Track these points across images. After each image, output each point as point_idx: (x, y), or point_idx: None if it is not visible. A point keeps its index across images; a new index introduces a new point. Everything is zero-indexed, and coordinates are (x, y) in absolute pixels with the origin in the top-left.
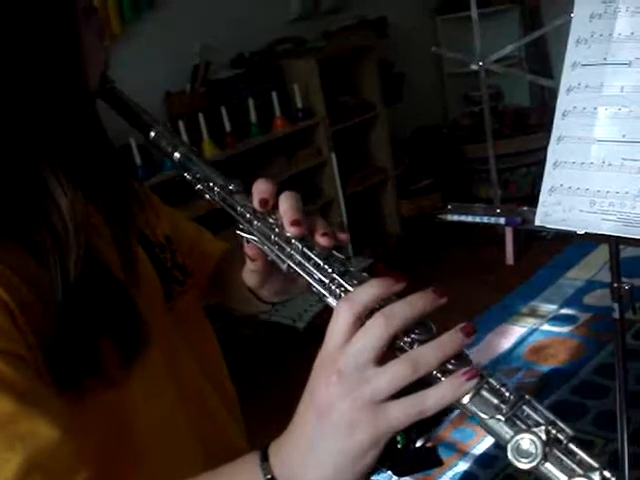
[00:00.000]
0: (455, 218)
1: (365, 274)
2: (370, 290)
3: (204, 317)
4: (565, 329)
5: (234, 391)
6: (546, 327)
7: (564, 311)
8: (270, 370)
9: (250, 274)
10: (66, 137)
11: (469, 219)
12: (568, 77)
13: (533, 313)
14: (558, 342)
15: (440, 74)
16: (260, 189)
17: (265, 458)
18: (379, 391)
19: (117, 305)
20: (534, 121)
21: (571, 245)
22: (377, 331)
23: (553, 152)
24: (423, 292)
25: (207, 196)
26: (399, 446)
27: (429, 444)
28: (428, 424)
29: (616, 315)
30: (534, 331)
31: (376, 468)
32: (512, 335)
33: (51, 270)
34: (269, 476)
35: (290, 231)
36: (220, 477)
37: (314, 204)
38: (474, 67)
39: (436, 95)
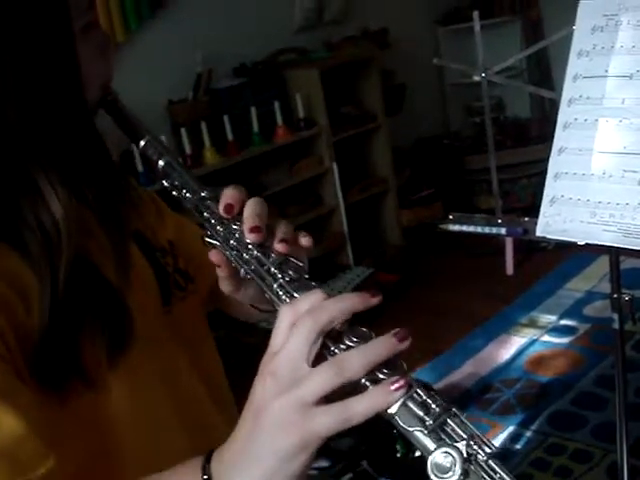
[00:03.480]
0: (457, 228)
1: (314, 283)
2: (312, 297)
3: (205, 323)
4: (565, 340)
5: (232, 398)
6: (546, 338)
7: (564, 322)
8: None
9: (221, 281)
10: (61, 144)
11: (471, 229)
12: (569, 89)
13: (533, 324)
14: (558, 353)
15: (441, 85)
16: (227, 195)
17: (208, 460)
18: (307, 393)
19: (106, 306)
20: (535, 132)
21: (571, 256)
22: (305, 329)
23: (554, 163)
24: (357, 292)
25: (182, 203)
26: (399, 455)
27: None
28: None
29: (616, 326)
30: (534, 342)
31: (375, 478)
32: (512, 345)
33: (41, 272)
34: (205, 477)
35: (249, 238)
36: (163, 476)
37: (315, 213)
38: (476, 78)
39: (437, 106)
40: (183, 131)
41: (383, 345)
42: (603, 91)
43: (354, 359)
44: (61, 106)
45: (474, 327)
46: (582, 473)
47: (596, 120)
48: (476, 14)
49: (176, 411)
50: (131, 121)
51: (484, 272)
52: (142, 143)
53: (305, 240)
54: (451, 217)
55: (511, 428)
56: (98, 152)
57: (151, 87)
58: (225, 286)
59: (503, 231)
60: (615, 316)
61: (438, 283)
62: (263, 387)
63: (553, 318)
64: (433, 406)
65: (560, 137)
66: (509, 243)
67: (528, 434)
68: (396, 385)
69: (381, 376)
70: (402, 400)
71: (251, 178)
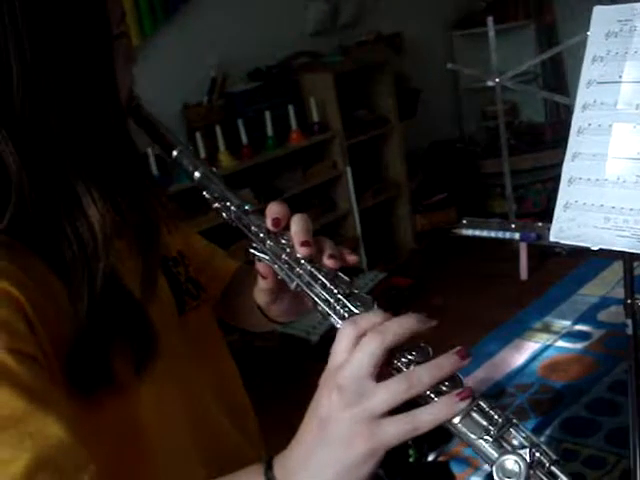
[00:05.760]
0: (470, 233)
1: (368, 296)
2: (374, 316)
3: (217, 331)
4: (579, 345)
5: (249, 404)
6: (560, 343)
7: (578, 327)
8: (283, 381)
9: (260, 292)
10: (99, 152)
11: (484, 234)
12: (583, 94)
13: (547, 329)
14: (572, 358)
15: (455, 89)
16: (273, 210)
17: (269, 467)
18: (376, 406)
19: (131, 319)
20: (549, 137)
21: (585, 261)
22: (372, 346)
23: (568, 168)
24: (415, 314)
25: (223, 214)
26: (411, 460)
27: (441, 459)
28: (440, 439)
29: (630, 331)
30: (548, 347)
31: None
32: (525, 350)
33: (77, 281)
34: None
35: (300, 251)
36: None
37: (329, 217)
38: (490, 83)
39: (451, 110)
40: (198, 135)
41: (448, 362)
42: (617, 96)
43: (422, 375)
44: (100, 113)
45: (488, 332)
46: (596, 479)
47: (610, 125)
48: (490, 20)
49: (191, 419)
50: (159, 129)
51: (498, 277)
52: (175, 153)
53: (351, 258)
54: (465, 222)
55: None
56: (133, 160)
57: (166, 91)
58: (262, 297)
59: (517, 236)
60: (629, 322)
61: (451, 288)
62: (330, 400)
63: (567, 323)
64: (495, 416)
65: (574, 142)
66: (523, 248)
67: (541, 439)
68: (462, 395)
69: (444, 389)
70: (466, 410)
71: (265, 182)
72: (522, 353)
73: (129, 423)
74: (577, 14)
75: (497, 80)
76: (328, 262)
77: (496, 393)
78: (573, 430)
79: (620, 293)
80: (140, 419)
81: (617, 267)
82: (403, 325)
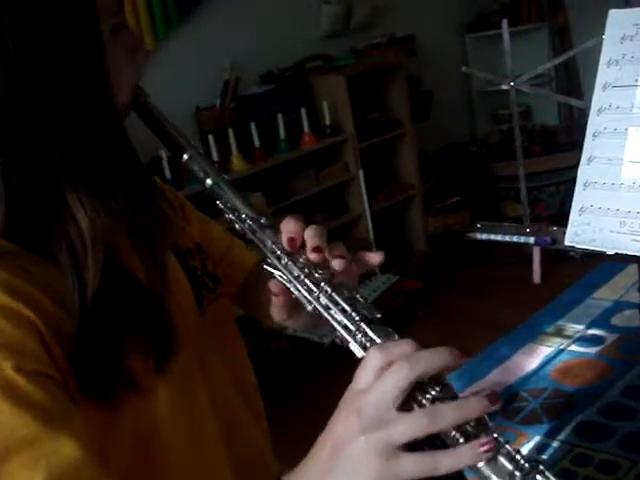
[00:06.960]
0: (484, 237)
1: (390, 329)
2: (405, 347)
3: (234, 325)
4: (592, 350)
5: (261, 400)
6: (573, 347)
7: (591, 331)
8: (294, 384)
9: (276, 308)
10: (89, 153)
11: (498, 238)
12: (599, 98)
13: (560, 333)
14: (585, 362)
15: (469, 92)
16: (288, 229)
17: None
18: (394, 435)
19: (146, 314)
20: (563, 140)
21: (599, 265)
22: (400, 375)
23: (583, 172)
24: (448, 347)
25: (237, 226)
26: None
27: None
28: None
29: None
30: (561, 351)
31: None
32: (538, 355)
33: (69, 285)
34: None
35: (311, 257)
36: None
37: (341, 220)
38: (505, 87)
39: (464, 113)
40: (210, 138)
41: (477, 405)
42: (633, 100)
43: (449, 413)
44: (90, 113)
45: (500, 336)
46: None
47: (626, 129)
48: (505, 23)
49: (211, 412)
50: (168, 130)
51: (511, 280)
52: (185, 157)
53: (377, 256)
54: (479, 225)
55: (537, 438)
56: (128, 160)
57: (179, 94)
58: (278, 313)
59: (531, 240)
60: None
61: (464, 291)
62: (347, 422)
63: (580, 327)
64: (522, 462)
65: (589, 146)
66: (537, 252)
67: (554, 444)
68: (485, 447)
69: (469, 429)
70: (491, 455)
71: (277, 185)
72: (535, 357)
73: (150, 423)
74: (590, 16)
75: (512, 84)
76: (335, 263)
77: (509, 397)
78: (586, 435)
79: (634, 297)
80: (161, 417)
81: (631, 271)
82: (435, 358)
